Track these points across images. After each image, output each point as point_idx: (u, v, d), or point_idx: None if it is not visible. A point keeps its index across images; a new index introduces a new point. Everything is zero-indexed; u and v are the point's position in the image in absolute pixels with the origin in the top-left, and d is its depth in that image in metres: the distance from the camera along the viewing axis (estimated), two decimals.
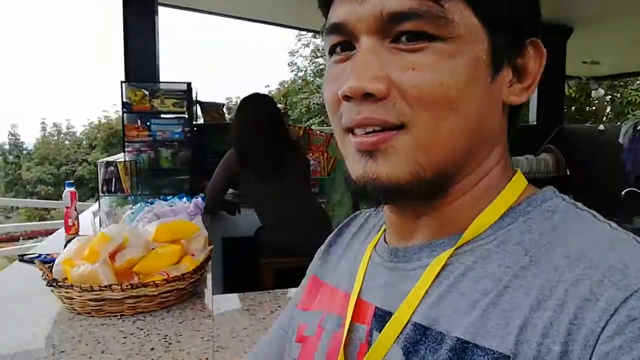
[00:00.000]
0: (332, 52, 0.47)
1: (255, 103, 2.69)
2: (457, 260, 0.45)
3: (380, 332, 0.47)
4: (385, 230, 0.55)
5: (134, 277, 1.44)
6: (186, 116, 3.08)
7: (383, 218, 0.57)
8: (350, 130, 0.44)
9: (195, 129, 3.29)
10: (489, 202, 0.46)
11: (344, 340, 0.50)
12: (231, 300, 1.49)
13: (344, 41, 0.45)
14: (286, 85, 15.64)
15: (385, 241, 0.54)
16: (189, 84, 3.09)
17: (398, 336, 0.45)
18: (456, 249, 0.45)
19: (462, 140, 0.43)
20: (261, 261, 2.72)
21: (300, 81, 15.05)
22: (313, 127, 3.76)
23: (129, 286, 1.34)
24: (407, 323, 0.44)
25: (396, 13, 0.40)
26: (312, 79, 15.11)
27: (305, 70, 15.55)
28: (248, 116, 2.63)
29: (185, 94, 3.07)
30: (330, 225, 2.78)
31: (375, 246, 0.55)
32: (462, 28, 0.41)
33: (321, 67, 15.12)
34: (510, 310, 0.39)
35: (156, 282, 1.36)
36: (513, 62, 0.45)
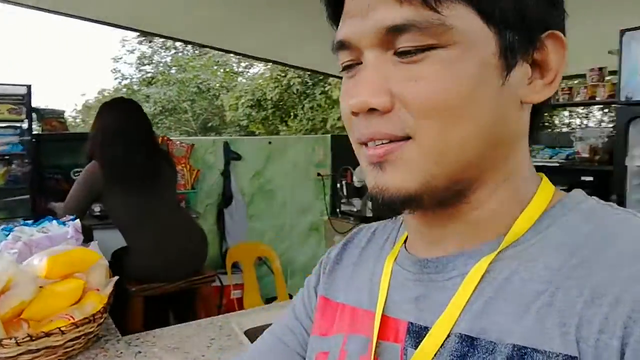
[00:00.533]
0: (345, 68, 0.47)
1: (122, 108, 2.41)
2: (499, 266, 0.43)
3: (416, 349, 0.45)
4: (405, 242, 0.54)
5: (22, 325, 1.16)
6: (25, 125, 2.59)
7: (399, 229, 0.57)
8: (364, 143, 0.45)
9: (33, 140, 2.78)
10: (520, 206, 0.45)
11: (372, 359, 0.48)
12: (148, 339, 1.30)
13: (351, 60, 0.45)
14: (107, 94, 14.27)
15: (409, 252, 0.52)
16: (28, 87, 2.62)
17: (439, 351, 0.43)
18: (497, 254, 0.44)
19: (475, 147, 0.42)
20: (128, 289, 2.42)
21: (125, 90, 13.86)
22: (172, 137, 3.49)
23: (28, 338, 1.07)
24: (450, 335, 0.43)
25: (394, 26, 0.40)
26: (137, 87, 14.08)
27: (131, 79, 14.44)
28: (114, 123, 2.33)
29: (24, 99, 2.59)
30: (207, 246, 2.63)
31: (395, 259, 0.53)
32: (464, 32, 0.40)
33: (149, 74, 14.20)
34: (565, 310, 0.38)
35: (62, 328, 1.12)
36: (531, 58, 0.44)
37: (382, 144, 0.43)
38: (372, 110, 0.42)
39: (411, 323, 0.47)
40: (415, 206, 0.44)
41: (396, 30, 0.40)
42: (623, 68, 2.94)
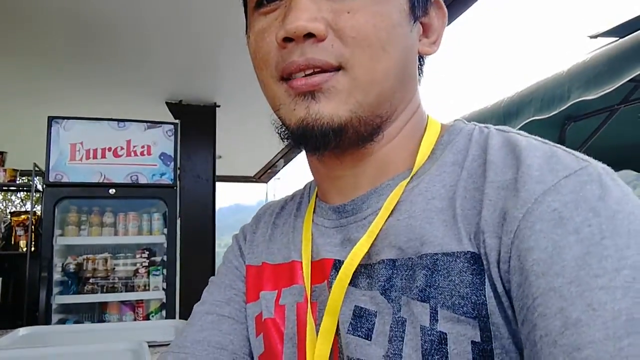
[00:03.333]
0: (258, 5, 0.48)
1: None
2: (406, 195, 0.48)
3: None
4: (317, 197, 0.57)
5: None
6: None
7: (311, 188, 0.60)
8: (287, 77, 0.46)
9: None
10: (418, 140, 0.51)
11: (309, 305, 0.50)
12: None
13: None
14: None
15: (324, 203, 0.55)
16: None
17: (371, 280, 0.46)
18: (406, 186, 0.48)
19: (393, 80, 0.47)
20: None
21: None
22: None
23: None
24: (376, 263, 0.46)
25: None
26: None
27: None
28: None
29: None
30: None
31: (314, 212, 0.56)
32: None
33: None
34: (464, 217, 0.42)
35: None
36: (422, 20, 0.50)
37: (314, 72, 0.44)
38: (307, 36, 0.43)
39: (337, 260, 0.50)
40: (340, 138, 0.45)
41: None
42: (52, 153, 3.12)
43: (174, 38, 2.93)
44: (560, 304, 0.34)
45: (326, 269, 0.50)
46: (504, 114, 2.27)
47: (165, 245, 3.29)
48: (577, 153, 0.42)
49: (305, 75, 0.44)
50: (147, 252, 3.34)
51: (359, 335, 0.45)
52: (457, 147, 0.48)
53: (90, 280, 3.19)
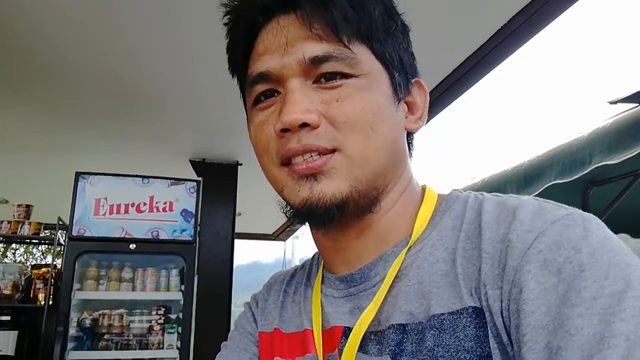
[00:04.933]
0: (256, 102, 0.54)
1: None
2: (410, 259, 0.51)
3: None
4: (324, 268, 0.60)
5: None
6: None
7: (318, 258, 0.63)
8: (287, 162, 0.51)
9: None
10: (415, 209, 0.55)
11: None
12: None
13: (269, 89, 0.52)
14: None
15: (331, 273, 0.57)
16: None
17: (381, 346, 0.48)
18: (407, 250, 0.51)
19: (385, 156, 0.51)
20: None
21: None
22: None
23: None
24: (385, 329, 0.48)
25: (316, 57, 0.49)
26: None
27: None
28: None
29: None
30: None
31: (322, 282, 0.59)
32: (368, 67, 0.51)
33: None
34: (465, 276, 0.45)
35: None
36: (405, 99, 0.56)
37: (311, 157, 0.49)
38: (302, 126, 0.48)
39: (346, 327, 0.52)
40: (343, 213, 0.49)
41: (318, 61, 0.49)
42: (76, 207, 3.19)
43: (199, 99, 3.05)
44: (546, 339, 0.37)
45: (336, 337, 0.52)
46: (525, 178, 2.26)
47: (182, 302, 3.26)
48: (565, 206, 0.45)
49: (305, 160, 0.49)
50: (163, 309, 3.31)
51: None
52: (455, 213, 0.52)
53: (105, 337, 3.15)
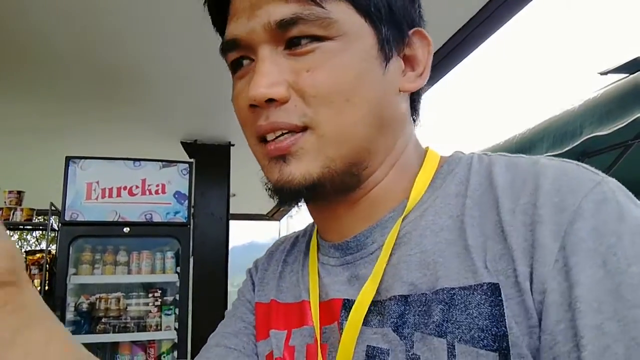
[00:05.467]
0: (234, 69, 0.50)
1: None
2: (409, 227, 0.47)
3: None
4: (318, 234, 0.57)
5: None
6: None
7: (314, 225, 0.58)
8: (262, 139, 0.47)
9: None
10: (413, 175, 0.50)
11: (319, 348, 0.49)
12: None
13: (242, 56, 0.48)
14: None
15: (326, 241, 0.54)
16: None
17: (383, 317, 0.45)
18: (404, 217, 0.48)
19: (365, 130, 0.46)
20: None
21: None
22: None
23: None
24: (385, 300, 0.45)
25: (282, 19, 0.43)
26: None
27: None
28: None
29: None
30: None
31: (318, 250, 0.56)
32: (346, 26, 0.44)
33: None
34: (475, 246, 0.41)
35: None
36: (402, 53, 0.49)
37: (282, 134, 0.45)
38: (270, 101, 0.44)
39: (346, 300, 0.49)
40: (320, 192, 0.46)
41: (286, 25, 0.43)
42: (68, 192, 3.17)
43: (189, 80, 3.01)
44: (605, 341, 0.34)
45: (336, 310, 0.49)
46: (517, 151, 2.27)
47: (178, 284, 3.27)
48: (587, 166, 0.42)
49: (275, 138, 0.45)
50: (160, 291, 3.33)
51: None
52: (459, 178, 0.47)
53: (103, 320, 3.17)
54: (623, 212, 0.38)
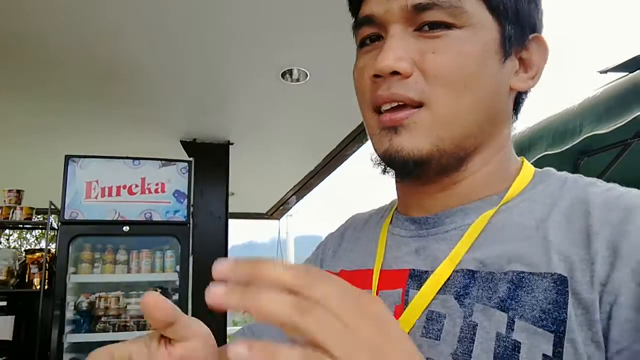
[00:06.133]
0: (362, 44, 0.54)
1: None
2: (496, 218, 0.50)
3: (418, 289, 0.49)
4: (397, 209, 0.60)
5: None
6: None
7: (393, 204, 0.62)
8: (377, 109, 0.51)
9: None
10: (507, 174, 0.54)
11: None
12: None
13: (373, 33, 0.52)
14: None
15: (403, 215, 0.58)
16: None
17: (445, 285, 0.48)
18: (498, 208, 0.50)
19: (476, 117, 0.49)
20: None
21: None
22: None
23: None
24: (453, 273, 0.48)
25: (419, 4, 0.47)
26: None
27: None
28: None
29: None
30: None
31: (391, 223, 0.60)
32: (475, 18, 0.48)
33: None
34: (553, 242, 0.44)
35: None
36: (519, 54, 0.52)
37: (398, 106, 0.49)
38: (393, 74, 0.48)
39: (413, 269, 0.52)
40: (424, 169, 0.50)
41: (421, 9, 0.48)
42: (68, 191, 3.17)
43: (188, 79, 3.01)
44: None
45: (401, 278, 0.52)
46: (516, 150, 2.26)
47: (178, 283, 3.27)
48: None
49: (391, 109, 0.49)
50: (159, 290, 3.33)
51: (430, 337, 0.46)
52: (549, 190, 0.50)
53: (102, 319, 3.17)
54: None
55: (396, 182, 0.59)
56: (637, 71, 1.81)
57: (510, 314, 0.43)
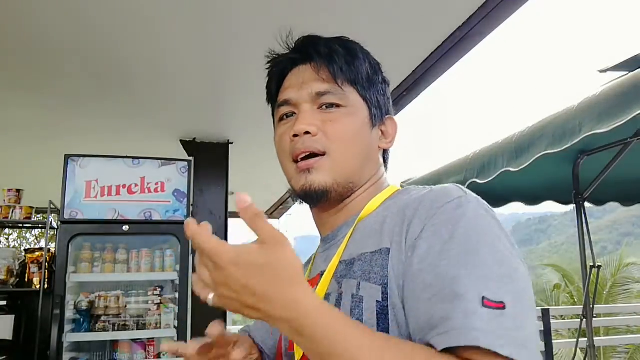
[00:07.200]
0: (280, 119, 0.81)
1: None
2: (362, 224, 0.75)
3: None
4: (321, 237, 0.85)
5: None
6: None
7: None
8: (295, 160, 0.77)
9: None
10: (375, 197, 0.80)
11: None
12: None
13: (289, 112, 0.80)
14: None
15: (321, 235, 0.84)
16: None
17: (334, 274, 0.72)
18: (359, 220, 0.76)
19: (359, 161, 0.78)
20: None
21: None
22: None
23: None
24: (339, 263, 0.73)
25: (320, 92, 0.77)
26: None
27: None
28: None
29: None
30: None
31: (317, 251, 0.86)
32: (354, 102, 0.78)
33: None
34: (386, 230, 0.67)
35: None
36: (380, 127, 0.83)
37: (308, 156, 0.75)
38: (306, 133, 0.75)
39: (321, 271, 0.77)
40: (327, 196, 0.76)
41: (321, 94, 0.77)
42: (67, 190, 3.16)
43: (188, 78, 3.01)
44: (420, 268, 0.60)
45: (316, 279, 0.77)
46: (516, 149, 2.26)
47: (178, 282, 3.27)
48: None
49: (305, 158, 0.75)
50: (160, 289, 3.33)
51: None
52: (397, 201, 0.73)
53: (102, 318, 3.17)
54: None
55: (311, 213, 0.84)
56: (637, 70, 1.81)
57: (358, 280, 0.66)
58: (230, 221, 4.15)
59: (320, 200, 0.76)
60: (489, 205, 0.64)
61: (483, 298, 0.52)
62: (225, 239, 3.99)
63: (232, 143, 4.12)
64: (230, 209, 4.10)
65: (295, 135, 0.75)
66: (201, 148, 4.05)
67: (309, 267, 0.85)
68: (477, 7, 2.33)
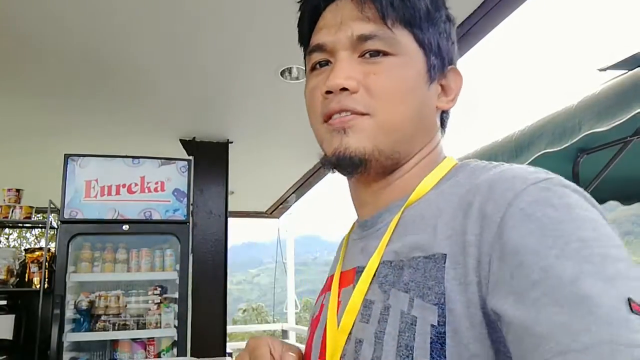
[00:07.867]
0: (313, 68, 0.64)
1: None
2: (408, 212, 0.59)
3: None
4: (358, 219, 0.70)
5: None
6: None
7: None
8: (327, 119, 0.60)
9: None
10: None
11: (336, 305, 0.63)
12: None
13: (323, 59, 0.62)
14: None
15: (358, 220, 0.68)
16: None
17: (374, 276, 0.57)
18: (406, 207, 0.60)
19: (409, 126, 0.60)
20: None
21: None
22: None
23: None
24: (379, 265, 0.57)
25: (362, 35, 0.58)
26: None
27: None
28: None
29: None
30: None
31: (352, 230, 0.71)
32: (406, 48, 0.59)
33: None
34: (442, 225, 0.52)
35: None
36: (440, 81, 0.64)
37: (347, 115, 0.58)
38: (343, 90, 0.58)
39: (358, 266, 0.62)
40: (365, 166, 0.58)
41: (364, 39, 0.58)
42: (67, 190, 3.16)
43: (187, 77, 3.01)
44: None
45: (352, 275, 0.63)
46: (516, 148, 2.27)
47: (177, 281, 3.27)
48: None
49: (340, 117, 0.58)
50: (160, 289, 3.33)
51: (363, 321, 0.56)
52: (456, 181, 0.57)
53: (102, 318, 3.17)
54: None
55: (349, 188, 0.69)
56: (637, 69, 1.81)
57: (410, 295, 0.51)
58: (230, 221, 4.16)
59: (356, 171, 0.59)
60: (587, 194, 0.50)
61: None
62: (225, 238, 4.00)
63: (232, 142, 4.12)
64: (230, 209, 4.10)
65: (328, 92, 0.58)
66: (201, 147, 4.05)
67: (341, 254, 0.70)
68: (477, 6, 2.33)
